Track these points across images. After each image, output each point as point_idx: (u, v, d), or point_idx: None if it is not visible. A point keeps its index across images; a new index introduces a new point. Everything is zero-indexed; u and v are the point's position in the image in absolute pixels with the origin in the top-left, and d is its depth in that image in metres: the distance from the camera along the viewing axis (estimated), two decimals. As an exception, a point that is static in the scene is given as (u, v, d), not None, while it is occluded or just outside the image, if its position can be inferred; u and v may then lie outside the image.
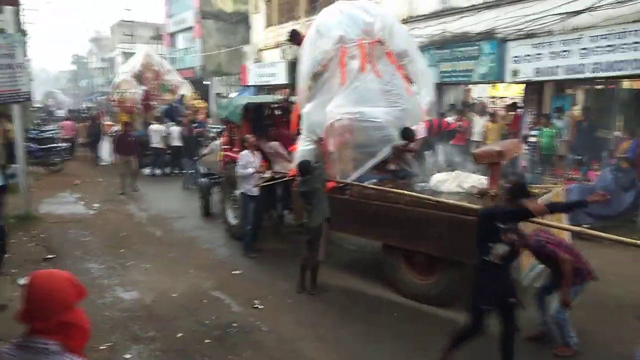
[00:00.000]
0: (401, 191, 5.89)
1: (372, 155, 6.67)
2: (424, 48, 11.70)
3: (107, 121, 19.11)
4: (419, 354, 4.76)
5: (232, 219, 8.60)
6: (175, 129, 14.68)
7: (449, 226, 5.39)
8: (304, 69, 7.16)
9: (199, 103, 18.18)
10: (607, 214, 8.33)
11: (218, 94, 25.40)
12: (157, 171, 15.20)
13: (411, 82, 7.35)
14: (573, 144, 10.46)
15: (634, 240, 4.13)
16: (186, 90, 18.15)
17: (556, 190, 6.28)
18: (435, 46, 12.37)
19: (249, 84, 21.12)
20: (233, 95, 19.74)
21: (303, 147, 7.11)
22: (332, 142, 6.69)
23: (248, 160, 7.43)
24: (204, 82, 26.39)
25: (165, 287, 6.42)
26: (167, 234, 9.03)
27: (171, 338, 5.08)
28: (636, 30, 8.53)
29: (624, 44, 8.78)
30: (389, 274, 6.19)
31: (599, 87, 11.42)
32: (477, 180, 6.07)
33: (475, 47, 11.54)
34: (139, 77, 17.58)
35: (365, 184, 6.45)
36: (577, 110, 11.53)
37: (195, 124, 15.61)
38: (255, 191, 7.54)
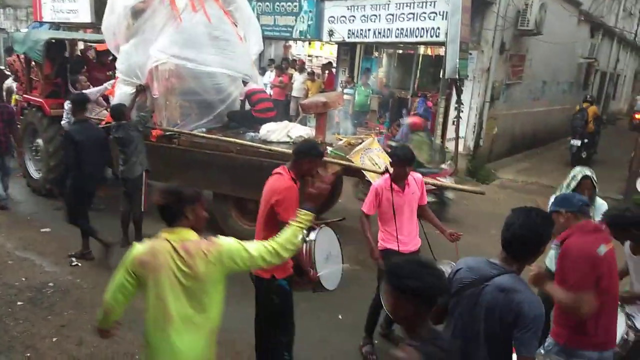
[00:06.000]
0: (233, 140, 5.87)
1: (202, 103, 6.47)
2: (246, -1, 11.49)
3: None
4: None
5: (35, 172, 7.55)
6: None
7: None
8: (121, 4, 6.48)
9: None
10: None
11: (1, 29, 21.46)
12: None
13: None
14: (381, 101, 11.59)
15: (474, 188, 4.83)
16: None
17: (369, 140, 6.89)
18: (257, -2, 12.27)
19: (44, 20, 18.22)
20: (24, 32, 16.86)
21: (121, 91, 6.54)
22: (157, 87, 6.29)
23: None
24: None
25: (-46, 250, 5.45)
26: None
27: (-28, 305, 4.37)
28: (434, 2, 9.67)
29: (423, 13, 9.90)
30: (220, 222, 6.15)
31: (400, 51, 12.77)
32: (303, 130, 6.35)
33: (295, 3, 11.78)
34: None
35: (195, 132, 6.23)
36: (382, 72, 12.79)
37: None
38: None
